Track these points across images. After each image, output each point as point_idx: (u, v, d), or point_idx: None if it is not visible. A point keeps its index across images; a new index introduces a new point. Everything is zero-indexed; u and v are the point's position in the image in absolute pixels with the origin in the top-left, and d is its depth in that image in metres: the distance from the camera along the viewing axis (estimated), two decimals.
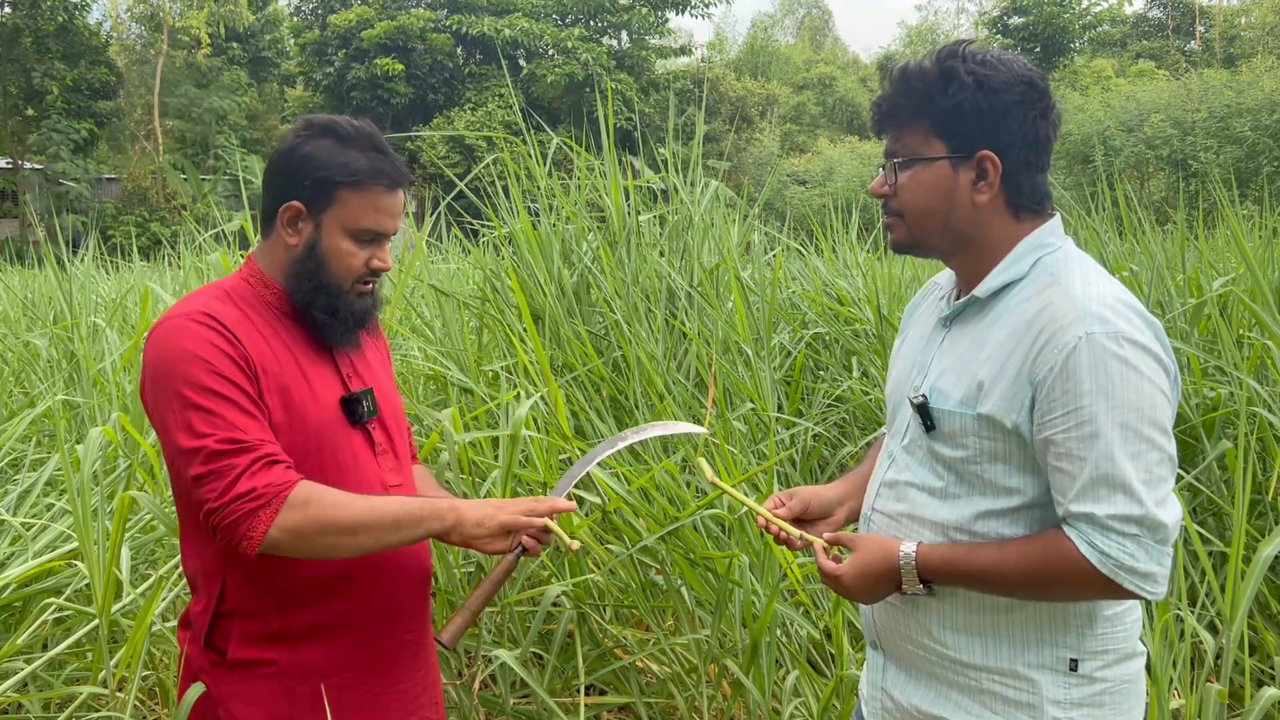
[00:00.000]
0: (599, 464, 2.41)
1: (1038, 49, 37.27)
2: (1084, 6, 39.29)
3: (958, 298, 1.76)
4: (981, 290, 1.67)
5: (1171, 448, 1.54)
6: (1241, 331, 4.15)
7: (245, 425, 1.67)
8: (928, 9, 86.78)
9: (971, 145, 1.62)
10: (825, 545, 1.79)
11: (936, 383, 1.69)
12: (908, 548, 1.65)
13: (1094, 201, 5.38)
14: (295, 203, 1.80)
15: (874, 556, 1.68)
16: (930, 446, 1.69)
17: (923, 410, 1.68)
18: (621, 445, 2.16)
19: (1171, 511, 1.51)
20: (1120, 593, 1.50)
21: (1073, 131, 20.59)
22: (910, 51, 47.79)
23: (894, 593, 1.69)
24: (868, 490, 1.86)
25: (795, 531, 1.86)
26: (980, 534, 1.63)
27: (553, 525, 1.89)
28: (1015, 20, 38.83)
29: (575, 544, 1.86)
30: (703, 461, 2.01)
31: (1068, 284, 1.58)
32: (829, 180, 27.06)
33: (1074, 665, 1.62)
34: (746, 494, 2.48)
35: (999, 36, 38.93)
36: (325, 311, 1.82)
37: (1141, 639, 1.71)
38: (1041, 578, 1.55)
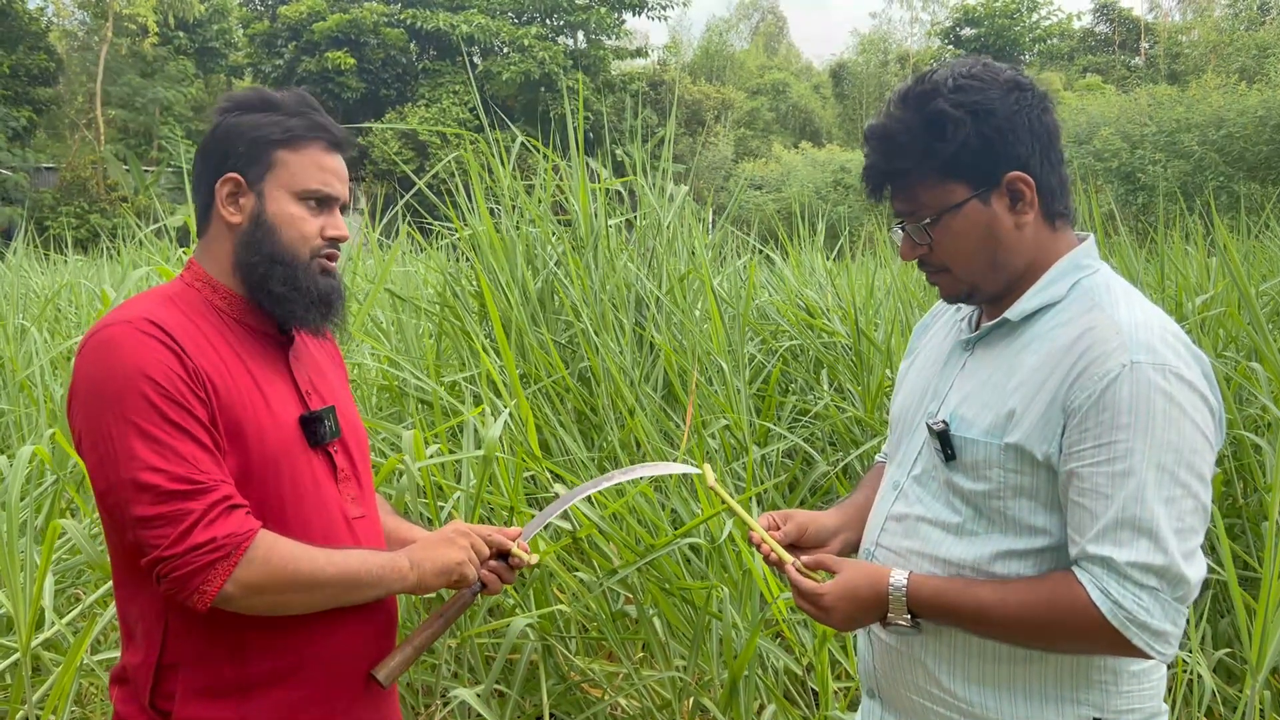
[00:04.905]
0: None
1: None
2: (1034, 20, 40.00)
3: (981, 318, 1.64)
4: (1014, 313, 1.54)
5: (1208, 497, 1.42)
6: (1219, 349, 4.09)
7: (200, 461, 1.46)
8: (881, 17, 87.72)
9: (993, 174, 1.51)
10: (800, 566, 1.64)
11: (958, 409, 1.56)
12: (898, 576, 1.53)
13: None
14: (232, 175, 1.62)
15: (861, 580, 1.55)
16: (948, 478, 1.56)
17: (943, 438, 1.54)
18: (606, 485, 1.97)
19: (1197, 568, 1.38)
20: (1126, 649, 1.38)
21: None
22: (864, 60, 48.09)
23: (875, 622, 1.56)
24: (870, 523, 1.72)
25: (789, 557, 1.70)
26: (999, 576, 1.50)
27: (516, 549, 1.74)
28: (968, 31, 39.42)
29: (534, 558, 1.74)
30: (708, 467, 1.85)
31: (1111, 309, 1.46)
32: (785, 185, 27.11)
33: None
34: (748, 510, 2.31)
35: (950, 47, 39.43)
36: (284, 284, 1.61)
37: None
38: (1042, 622, 1.42)
